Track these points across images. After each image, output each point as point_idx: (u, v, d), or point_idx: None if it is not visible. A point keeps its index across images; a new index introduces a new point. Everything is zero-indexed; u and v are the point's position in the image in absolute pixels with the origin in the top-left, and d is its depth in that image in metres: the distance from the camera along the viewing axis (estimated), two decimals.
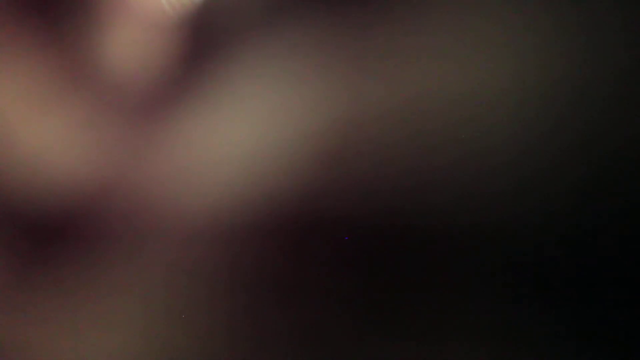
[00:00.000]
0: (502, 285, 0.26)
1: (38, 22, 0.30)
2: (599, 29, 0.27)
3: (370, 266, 0.27)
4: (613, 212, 0.25)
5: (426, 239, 0.27)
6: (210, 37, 0.30)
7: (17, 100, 0.30)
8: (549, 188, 0.26)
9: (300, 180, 0.28)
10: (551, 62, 0.27)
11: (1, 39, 0.30)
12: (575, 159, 0.26)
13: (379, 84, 0.29)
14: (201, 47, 0.30)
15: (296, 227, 0.28)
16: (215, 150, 0.30)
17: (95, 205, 0.30)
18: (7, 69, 0.30)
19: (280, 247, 0.28)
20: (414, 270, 0.27)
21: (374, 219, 0.27)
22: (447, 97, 0.28)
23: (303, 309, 0.27)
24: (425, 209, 0.27)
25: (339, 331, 0.27)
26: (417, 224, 0.27)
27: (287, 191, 0.28)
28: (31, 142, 0.30)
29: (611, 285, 0.25)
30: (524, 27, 0.28)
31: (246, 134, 0.30)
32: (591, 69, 0.27)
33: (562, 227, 0.26)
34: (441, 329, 0.26)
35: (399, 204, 0.27)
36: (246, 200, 0.29)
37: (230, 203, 0.29)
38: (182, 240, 0.29)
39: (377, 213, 0.27)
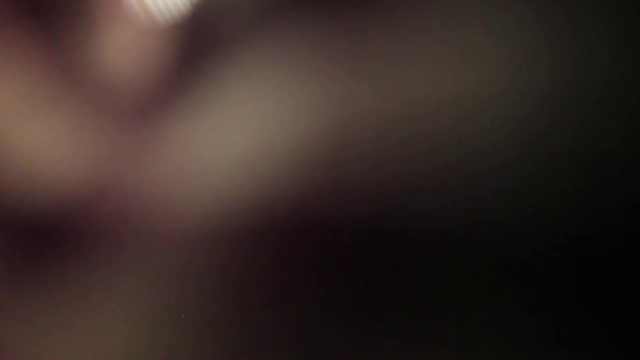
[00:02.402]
0: (499, 285, 0.26)
1: (33, 26, 0.30)
2: (589, 33, 0.27)
3: (365, 268, 0.27)
4: (609, 211, 0.25)
5: (421, 241, 0.27)
6: (205, 40, 0.30)
7: (12, 103, 0.30)
8: (544, 189, 0.26)
9: (294, 183, 0.28)
10: (543, 65, 0.28)
11: None
12: (570, 159, 0.26)
13: (374, 86, 0.29)
14: (196, 50, 0.30)
15: (291, 229, 0.28)
16: (210, 152, 0.30)
17: (90, 207, 0.29)
18: (2, 72, 0.30)
19: (274, 249, 0.28)
20: (410, 271, 0.27)
21: (368, 221, 0.27)
22: (442, 100, 0.28)
23: (296, 311, 0.27)
24: (420, 211, 0.27)
25: (332, 332, 0.27)
26: (412, 226, 0.27)
27: (282, 194, 0.28)
28: (26, 145, 0.30)
29: (609, 285, 0.25)
30: (516, 31, 0.28)
31: (240, 137, 0.30)
32: (582, 71, 0.27)
33: (558, 228, 0.26)
34: (438, 330, 0.26)
35: (394, 206, 0.27)
36: (240, 202, 0.29)
37: (224, 205, 0.29)
38: (176, 242, 0.29)
39: (372, 215, 0.27)
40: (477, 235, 0.26)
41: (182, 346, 0.27)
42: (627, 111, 0.26)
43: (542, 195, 0.26)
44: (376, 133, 0.28)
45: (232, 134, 0.30)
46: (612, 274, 0.25)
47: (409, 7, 0.29)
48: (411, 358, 0.26)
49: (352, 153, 0.28)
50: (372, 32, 0.29)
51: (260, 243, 0.28)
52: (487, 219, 0.26)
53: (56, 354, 0.28)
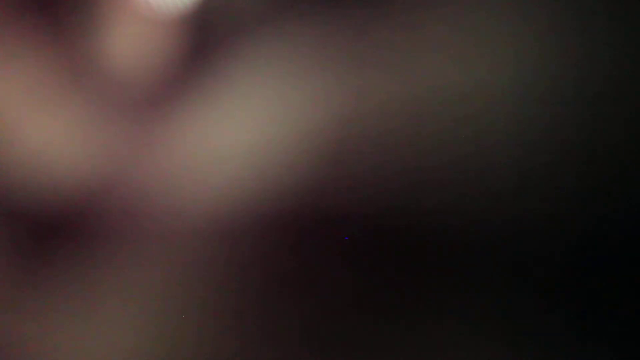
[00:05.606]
0: (503, 283, 0.26)
1: (40, 20, 0.30)
2: (596, 28, 0.27)
3: (372, 263, 0.27)
4: (613, 209, 0.25)
5: (427, 237, 0.27)
6: (211, 34, 0.30)
7: (19, 97, 0.30)
8: (549, 186, 0.26)
9: (301, 178, 0.28)
10: (550, 60, 0.28)
11: (3, 37, 0.30)
12: (575, 156, 0.26)
13: (381, 80, 0.29)
14: (202, 45, 0.30)
15: (297, 224, 0.28)
16: (216, 147, 0.30)
17: (97, 202, 0.30)
18: (8, 66, 0.30)
19: (280, 244, 0.28)
20: (415, 268, 0.27)
21: (374, 216, 0.28)
22: (447, 94, 0.28)
23: (304, 306, 0.27)
24: (426, 207, 0.27)
25: (340, 328, 0.27)
26: (417, 222, 0.27)
27: (288, 188, 0.28)
28: (32, 140, 0.30)
29: (612, 283, 0.25)
30: (522, 24, 0.28)
31: (247, 132, 0.30)
32: (589, 67, 0.27)
33: (562, 226, 0.26)
34: (442, 327, 0.26)
35: (400, 201, 0.27)
36: (247, 197, 0.29)
37: (231, 200, 0.29)
38: (183, 237, 0.29)
39: (378, 210, 0.28)
40: (485, 231, 0.26)
41: (190, 340, 0.28)
42: (635, 107, 0.26)
43: (549, 193, 0.26)
44: (383, 127, 0.28)
45: (239, 128, 0.30)
46: (621, 273, 0.25)
47: (415, 2, 0.29)
48: (415, 355, 0.26)
49: (359, 147, 0.28)
50: (379, 25, 0.29)
51: (267, 237, 0.28)
52: (493, 216, 0.26)
53: (62, 349, 0.28)
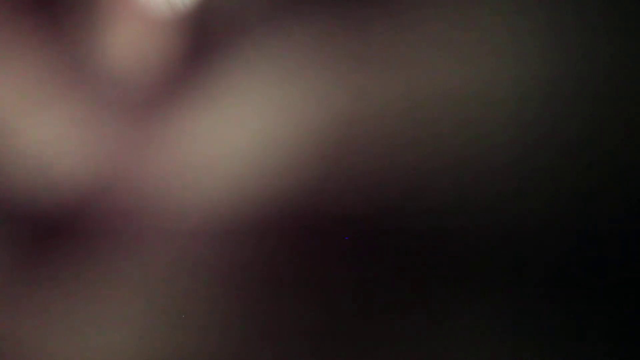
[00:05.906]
0: (503, 285, 0.26)
1: (38, 19, 0.30)
2: (596, 27, 0.27)
3: (372, 264, 0.27)
4: (613, 210, 0.25)
5: (427, 238, 0.27)
6: (211, 33, 0.30)
7: (18, 97, 0.30)
8: (549, 188, 0.26)
9: (301, 178, 0.28)
10: (550, 60, 0.28)
11: (2, 36, 0.30)
12: (575, 156, 0.26)
13: (380, 80, 0.29)
14: (202, 44, 0.30)
15: (297, 224, 0.28)
16: (216, 147, 0.30)
17: (96, 201, 0.30)
18: (7, 66, 0.30)
19: (281, 244, 0.28)
20: (415, 268, 0.27)
21: (375, 216, 0.28)
22: (448, 94, 0.28)
23: (304, 306, 0.27)
24: (427, 208, 0.27)
25: (340, 328, 0.27)
26: (418, 222, 0.27)
27: (288, 188, 0.28)
28: (31, 139, 0.30)
29: (612, 283, 0.25)
30: (523, 24, 0.28)
31: (247, 131, 0.30)
32: (590, 68, 0.27)
33: (562, 226, 0.26)
34: (442, 327, 0.26)
35: (400, 202, 0.27)
36: (247, 197, 0.29)
37: (230, 200, 0.29)
38: (182, 237, 0.29)
39: (378, 211, 0.28)
40: (486, 233, 0.26)
41: (191, 340, 0.28)
42: (635, 107, 0.26)
43: (550, 193, 0.26)
44: (384, 127, 0.28)
45: (239, 129, 0.30)
46: (621, 273, 0.25)
47: (416, 1, 0.29)
48: (415, 355, 0.26)
49: (360, 147, 0.28)
50: (379, 25, 0.29)
51: (267, 237, 0.28)
52: (494, 218, 0.26)
53: (60, 349, 0.28)
